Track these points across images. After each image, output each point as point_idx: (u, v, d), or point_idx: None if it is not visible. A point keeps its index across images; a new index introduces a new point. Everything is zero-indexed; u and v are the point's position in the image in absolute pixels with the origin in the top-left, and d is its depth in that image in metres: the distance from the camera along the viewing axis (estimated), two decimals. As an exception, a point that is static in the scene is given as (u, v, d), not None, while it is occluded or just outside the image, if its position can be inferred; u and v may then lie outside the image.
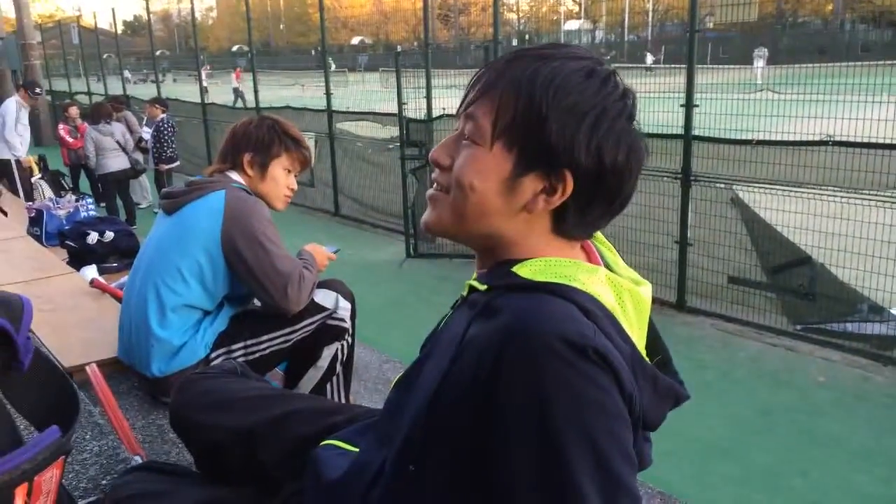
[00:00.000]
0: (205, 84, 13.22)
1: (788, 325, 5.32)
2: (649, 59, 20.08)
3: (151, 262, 2.08)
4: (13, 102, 8.38)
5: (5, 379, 0.64)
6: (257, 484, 1.26)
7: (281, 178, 2.19)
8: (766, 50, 20.11)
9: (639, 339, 0.91)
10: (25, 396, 0.66)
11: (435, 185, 0.96)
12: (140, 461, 1.54)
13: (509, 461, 0.75)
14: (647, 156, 0.93)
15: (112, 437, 1.58)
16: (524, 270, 0.87)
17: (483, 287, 0.90)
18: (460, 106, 0.96)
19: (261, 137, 2.15)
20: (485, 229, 0.92)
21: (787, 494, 3.48)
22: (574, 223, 0.91)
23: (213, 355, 2.04)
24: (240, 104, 17.87)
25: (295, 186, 2.25)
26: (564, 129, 0.85)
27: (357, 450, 1.09)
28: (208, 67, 22.06)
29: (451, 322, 0.95)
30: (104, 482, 1.40)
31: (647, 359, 0.90)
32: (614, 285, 0.89)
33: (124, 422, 1.71)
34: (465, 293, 0.97)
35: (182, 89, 18.14)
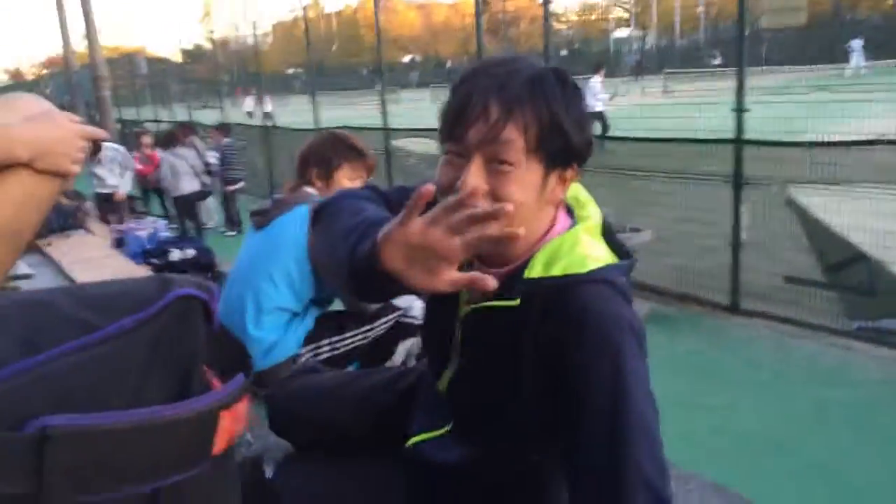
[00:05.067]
0: (265, 108, 13.70)
1: (845, 324, 5.33)
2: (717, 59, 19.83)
3: (246, 271, 2.36)
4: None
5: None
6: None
7: (347, 186, 2.42)
8: (860, 42, 19.18)
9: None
10: (214, 352, 0.90)
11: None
12: (250, 438, 1.80)
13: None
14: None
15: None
16: (556, 269, 1.06)
17: (515, 302, 1.07)
18: (459, 130, 1.02)
19: (322, 152, 2.40)
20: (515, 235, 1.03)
21: (845, 487, 3.54)
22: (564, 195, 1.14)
23: (303, 350, 2.30)
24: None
25: None
26: (578, 133, 1.06)
27: (443, 431, 1.28)
28: (252, 91, 22.41)
29: (488, 329, 1.14)
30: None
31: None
32: (588, 231, 1.12)
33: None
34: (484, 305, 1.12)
35: (237, 113, 18.84)
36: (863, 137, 5.18)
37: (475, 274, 0.90)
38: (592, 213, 1.17)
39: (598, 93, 12.30)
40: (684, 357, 5.28)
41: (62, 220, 5.76)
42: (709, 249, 6.08)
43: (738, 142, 5.52)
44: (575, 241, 1.08)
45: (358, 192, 1.26)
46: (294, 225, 2.28)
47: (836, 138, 5.35)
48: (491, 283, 0.88)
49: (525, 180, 1.02)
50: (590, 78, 12.55)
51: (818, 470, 3.68)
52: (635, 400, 0.97)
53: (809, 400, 4.44)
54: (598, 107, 12.09)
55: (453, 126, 1.03)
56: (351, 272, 0.98)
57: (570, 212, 1.18)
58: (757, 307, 5.75)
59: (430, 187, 0.87)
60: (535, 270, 1.06)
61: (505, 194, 1.00)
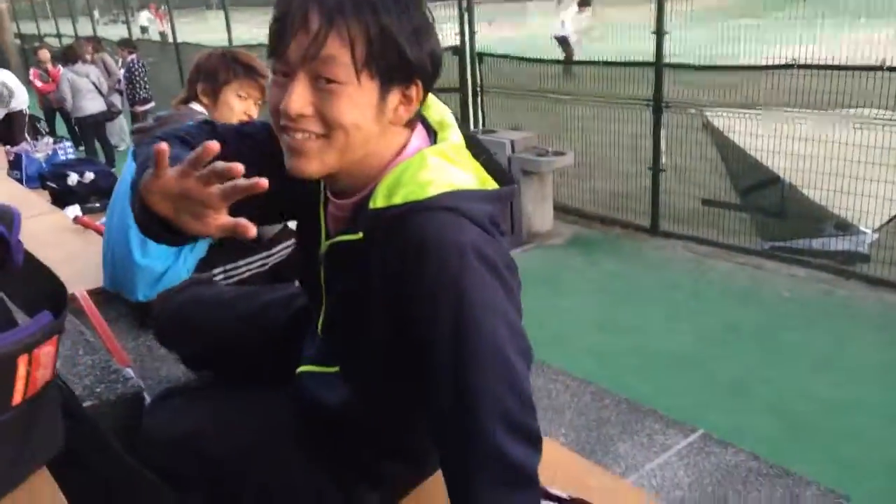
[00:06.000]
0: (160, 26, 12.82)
1: (758, 244, 5.50)
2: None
3: (128, 194, 2.16)
4: None
5: (1, 275, 0.75)
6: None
7: (235, 105, 2.24)
8: None
9: (474, 170, 1.03)
10: (19, 290, 0.77)
11: (300, 133, 0.94)
12: (131, 372, 1.68)
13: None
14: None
15: (103, 353, 1.71)
16: (397, 197, 0.96)
17: (358, 236, 0.99)
18: (282, 46, 0.93)
19: (210, 67, 2.22)
20: (361, 154, 0.98)
21: (750, 400, 3.69)
22: (414, 116, 1.02)
23: (194, 278, 2.16)
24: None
25: (253, 113, 2.30)
26: (415, 46, 0.94)
27: (333, 370, 1.20)
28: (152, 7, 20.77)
29: (340, 268, 1.07)
30: (97, 389, 1.54)
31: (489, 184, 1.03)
32: (440, 153, 1.00)
33: (113, 337, 1.84)
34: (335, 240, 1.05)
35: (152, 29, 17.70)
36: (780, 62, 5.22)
37: (239, 220, 0.87)
38: (451, 136, 1.04)
39: (570, 22, 12.04)
40: (604, 279, 5.36)
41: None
42: (630, 174, 6.12)
43: (658, 65, 5.48)
44: (420, 165, 0.97)
45: (181, 127, 1.17)
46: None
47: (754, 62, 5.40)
48: (251, 230, 0.86)
49: (357, 99, 0.93)
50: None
51: (726, 385, 3.83)
52: (485, 330, 0.91)
53: (721, 318, 4.59)
54: (566, 33, 11.86)
55: (276, 42, 0.93)
56: (136, 215, 0.98)
57: (434, 135, 1.07)
58: (675, 229, 5.88)
59: (213, 145, 0.84)
60: (377, 200, 0.96)
61: (334, 115, 0.92)
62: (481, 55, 7.02)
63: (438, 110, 1.07)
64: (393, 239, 0.94)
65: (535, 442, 0.96)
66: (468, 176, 0.99)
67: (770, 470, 1.86)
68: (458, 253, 0.90)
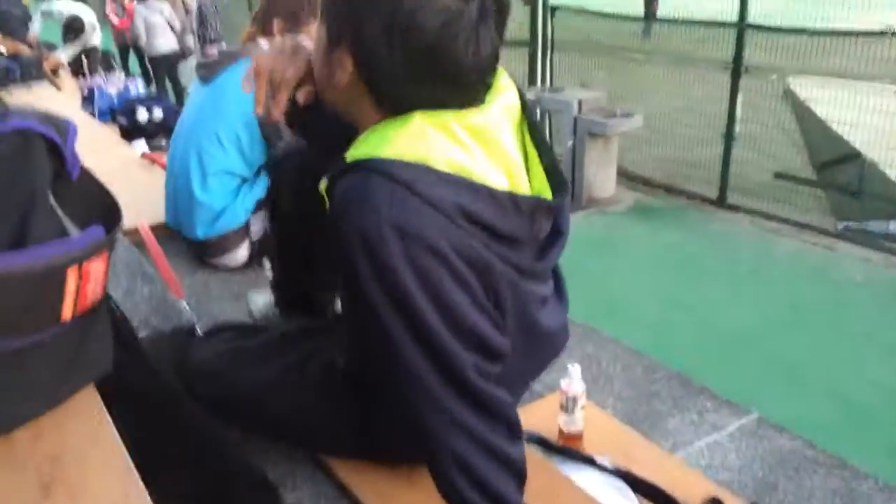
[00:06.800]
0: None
1: (832, 224, 5.26)
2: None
3: (192, 129, 2.17)
4: None
5: (56, 187, 0.74)
6: None
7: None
8: None
9: (501, 163, 0.94)
10: (74, 203, 0.76)
11: None
12: (185, 305, 1.69)
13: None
14: (426, 34, 0.87)
15: (161, 284, 1.73)
16: (354, 150, 0.92)
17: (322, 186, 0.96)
18: None
19: (291, 2, 2.14)
20: (334, 100, 1.00)
21: (811, 385, 3.57)
22: (387, 97, 0.93)
23: (253, 219, 2.16)
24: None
25: None
26: (354, 13, 0.89)
27: None
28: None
29: None
30: (153, 320, 1.56)
31: (496, 186, 0.93)
32: (439, 125, 0.90)
33: (170, 270, 1.86)
34: None
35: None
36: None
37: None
38: (472, 116, 0.94)
39: None
40: (664, 250, 5.22)
41: (24, 71, 5.45)
42: (701, 140, 5.89)
43: (741, 26, 5.21)
44: (402, 123, 0.91)
45: None
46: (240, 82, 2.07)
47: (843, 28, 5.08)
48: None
49: (318, 34, 1.00)
50: None
51: (787, 368, 3.70)
52: (404, 305, 0.86)
53: (786, 298, 4.43)
54: None
55: None
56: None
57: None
58: (744, 202, 5.66)
59: None
60: (349, 153, 0.93)
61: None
62: (554, 8, 6.80)
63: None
64: (331, 198, 0.91)
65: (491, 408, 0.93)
66: (463, 154, 0.90)
67: (826, 460, 1.77)
68: (372, 220, 0.84)
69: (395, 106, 0.92)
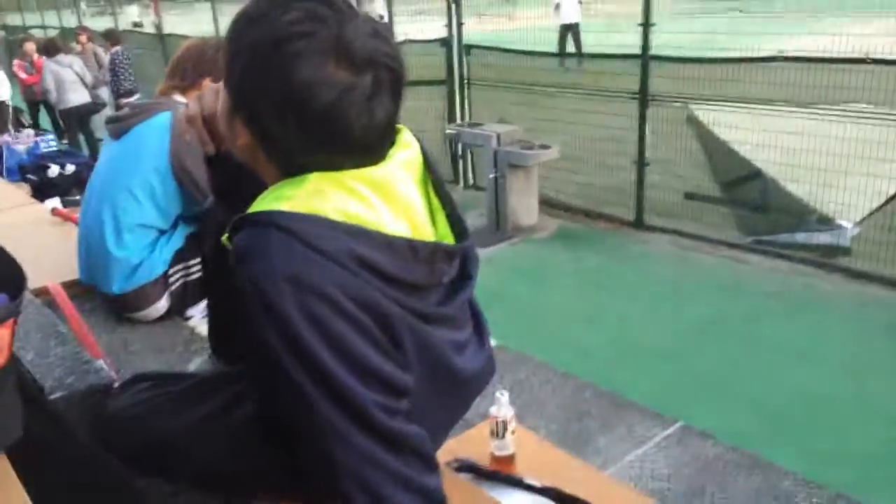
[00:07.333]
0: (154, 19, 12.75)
1: (741, 238, 5.53)
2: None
3: (104, 185, 2.14)
4: None
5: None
6: None
7: None
8: None
9: (402, 213, 0.96)
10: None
11: None
12: (103, 364, 1.66)
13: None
14: (318, 109, 0.88)
15: (74, 344, 1.69)
16: (252, 206, 0.94)
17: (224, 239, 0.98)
18: None
19: (201, 58, 2.16)
20: (237, 156, 1.03)
21: (730, 393, 3.71)
22: (284, 164, 0.96)
23: (171, 271, 2.13)
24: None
25: None
26: (247, 90, 0.93)
27: None
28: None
29: None
30: (68, 380, 1.52)
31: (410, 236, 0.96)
32: (335, 182, 0.93)
33: (86, 329, 1.82)
34: None
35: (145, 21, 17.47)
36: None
37: None
38: (372, 171, 0.97)
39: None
40: (588, 273, 5.37)
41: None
42: (616, 167, 6.13)
43: (645, 57, 5.49)
44: (299, 183, 0.93)
45: None
46: (154, 134, 2.06)
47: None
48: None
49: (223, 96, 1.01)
50: None
51: (704, 378, 3.84)
52: (302, 352, 0.87)
53: (703, 312, 4.61)
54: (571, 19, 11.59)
55: None
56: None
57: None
58: (660, 223, 5.89)
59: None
60: (250, 208, 0.94)
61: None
62: (469, 47, 7.00)
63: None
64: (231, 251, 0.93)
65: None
66: (362, 208, 0.93)
67: (748, 461, 1.86)
68: (268, 277, 0.86)
69: (294, 169, 0.94)
